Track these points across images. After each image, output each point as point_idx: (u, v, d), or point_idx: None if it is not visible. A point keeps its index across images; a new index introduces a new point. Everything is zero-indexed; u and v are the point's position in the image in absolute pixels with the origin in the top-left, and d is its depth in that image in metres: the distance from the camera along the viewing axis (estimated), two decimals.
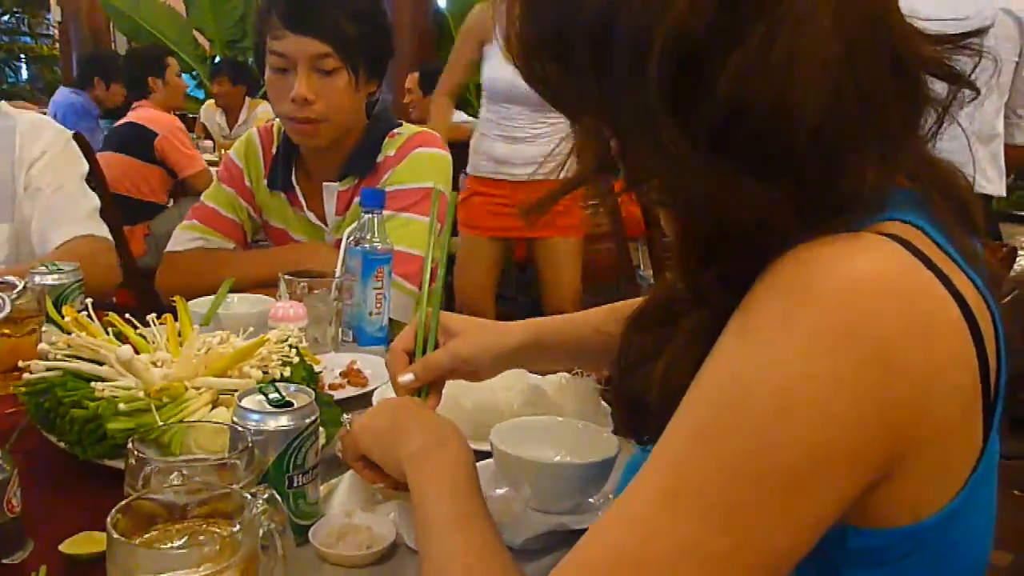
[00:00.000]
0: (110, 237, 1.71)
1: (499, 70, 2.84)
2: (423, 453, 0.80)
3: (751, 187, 0.56)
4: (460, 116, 4.15)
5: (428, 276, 1.02)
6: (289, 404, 0.85)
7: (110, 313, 1.16)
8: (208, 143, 5.26)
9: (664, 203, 0.65)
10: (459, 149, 2.91)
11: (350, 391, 1.22)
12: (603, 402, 1.14)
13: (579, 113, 0.66)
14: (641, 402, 0.68)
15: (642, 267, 4.16)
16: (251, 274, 1.55)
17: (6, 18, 8.74)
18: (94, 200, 1.72)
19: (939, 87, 0.61)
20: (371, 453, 0.88)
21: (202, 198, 1.76)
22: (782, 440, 0.52)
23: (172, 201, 4.01)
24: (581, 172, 0.68)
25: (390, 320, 1.45)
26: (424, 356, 0.99)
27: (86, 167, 1.76)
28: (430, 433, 0.83)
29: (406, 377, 0.97)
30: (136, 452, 0.76)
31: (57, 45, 7.59)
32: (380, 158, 1.66)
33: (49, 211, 1.62)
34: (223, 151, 4.32)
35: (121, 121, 4.09)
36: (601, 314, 1.01)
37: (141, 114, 4.00)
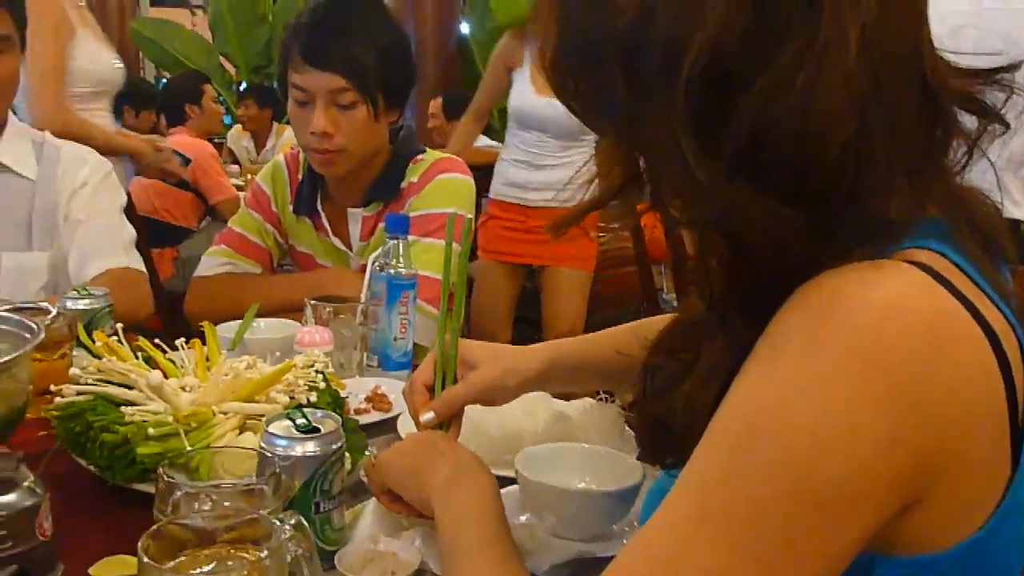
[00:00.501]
0: (144, 269, 1.73)
1: (525, 97, 2.87)
2: (449, 485, 0.81)
3: (773, 211, 0.56)
4: (485, 141, 4.17)
5: (445, 303, 1.01)
6: (316, 430, 0.86)
7: (140, 338, 1.18)
8: (235, 167, 5.31)
9: (687, 224, 0.65)
10: (484, 173, 2.94)
11: (375, 416, 1.23)
12: (627, 428, 1.14)
13: (607, 129, 0.66)
14: (665, 426, 0.68)
15: (665, 291, 4.16)
16: (277, 299, 1.57)
17: None
18: (131, 232, 1.75)
19: (969, 118, 0.61)
20: (397, 489, 0.89)
21: (229, 223, 1.79)
22: (809, 470, 0.52)
23: (201, 226, 4.07)
24: (608, 190, 0.68)
25: (414, 345, 1.46)
26: (444, 391, 0.98)
27: (124, 199, 1.79)
28: (455, 466, 0.83)
29: (427, 416, 0.96)
30: (166, 477, 0.77)
31: None
32: (404, 184, 1.68)
33: (87, 242, 1.65)
34: (250, 176, 4.38)
35: None
36: (623, 334, 1.01)
37: (175, 140, 4.06)
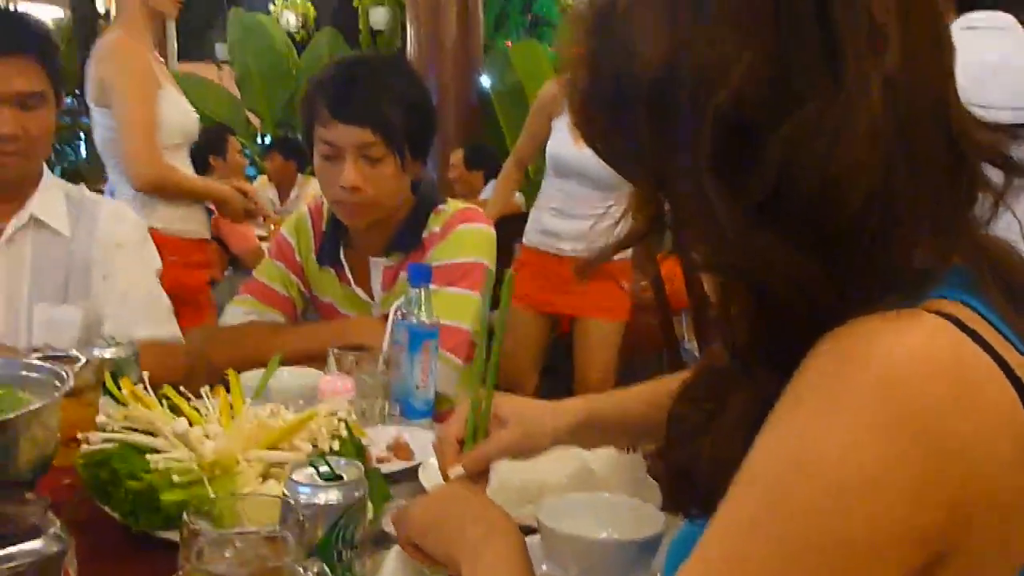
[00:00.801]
0: (181, 337, 1.75)
1: (563, 145, 2.87)
2: (478, 544, 0.80)
3: (796, 259, 0.56)
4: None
5: (483, 355, 0.98)
6: (339, 478, 0.86)
7: (166, 386, 1.20)
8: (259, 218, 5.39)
9: (709, 270, 0.66)
10: (508, 222, 2.96)
11: (397, 465, 1.23)
12: (650, 477, 1.13)
13: (633, 173, 0.67)
14: (689, 476, 0.68)
15: (687, 340, 4.14)
16: (299, 348, 1.57)
17: (68, 99, 9.15)
18: (167, 300, 1.77)
19: (995, 172, 0.61)
20: (420, 541, 0.87)
21: (254, 273, 1.81)
22: (837, 523, 0.52)
23: (224, 275, 4.12)
24: (633, 232, 0.68)
25: (436, 393, 1.46)
26: (475, 447, 0.97)
27: (160, 262, 1.81)
28: (484, 525, 0.82)
29: (456, 471, 0.95)
30: (191, 524, 0.77)
31: None
32: (425, 234, 1.70)
33: (127, 312, 1.66)
34: (273, 226, 4.43)
35: None
36: (650, 389, 1.01)
37: None
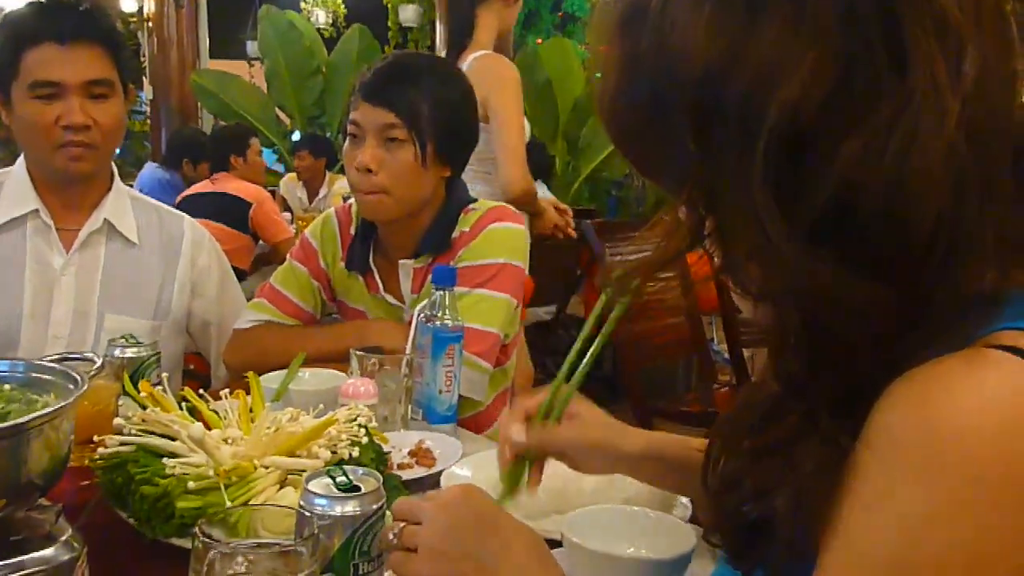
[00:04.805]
0: None
1: None
2: (499, 554, 0.75)
3: (855, 286, 0.52)
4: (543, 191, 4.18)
5: (576, 356, 0.95)
6: (356, 489, 0.83)
7: (185, 388, 1.18)
8: (286, 215, 5.41)
9: (762, 297, 0.60)
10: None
11: (419, 471, 1.21)
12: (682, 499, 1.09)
13: (670, 185, 0.62)
14: (761, 530, 0.62)
15: (716, 341, 4.09)
16: (316, 350, 1.55)
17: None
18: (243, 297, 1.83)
19: None
20: (433, 553, 0.76)
21: (271, 280, 1.76)
22: None
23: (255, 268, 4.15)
24: (673, 249, 0.62)
25: (460, 397, 1.43)
26: (544, 427, 0.95)
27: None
28: (524, 550, 0.76)
29: (519, 437, 0.93)
30: (202, 537, 0.75)
31: (148, 122, 7.94)
32: (455, 234, 1.66)
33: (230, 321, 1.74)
34: (300, 222, 4.45)
35: (202, 189, 4.26)
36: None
37: (230, 185, 4.16)
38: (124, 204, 1.69)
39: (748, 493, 0.63)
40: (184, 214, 1.82)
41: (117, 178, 1.70)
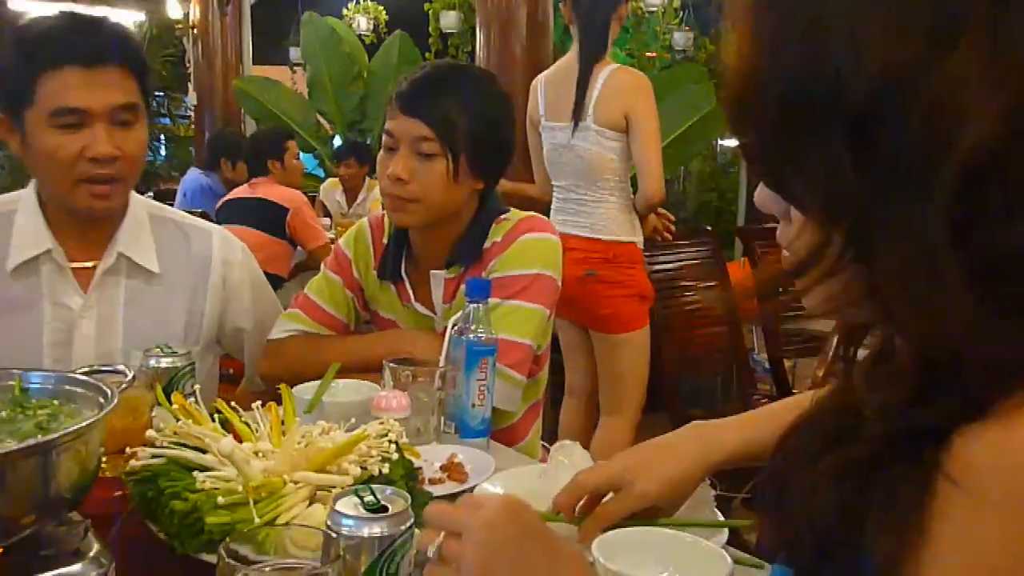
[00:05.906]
0: None
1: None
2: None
3: (1012, 327, 0.48)
4: None
5: None
6: (384, 509, 0.82)
7: (218, 400, 1.17)
8: (326, 220, 5.43)
9: (926, 341, 0.53)
10: None
11: (450, 487, 1.19)
12: (718, 512, 1.07)
13: (803, 200, 0.55)
14: (816, 543, 0.60)
15: (756, 350, 4.03)
16: (349, 360, 1.54)
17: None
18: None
19: None
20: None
21: (306, 290, 1.75)
22: None
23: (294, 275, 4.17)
24: (826, 269, 0.54)
25: (493, 410, 1.42)
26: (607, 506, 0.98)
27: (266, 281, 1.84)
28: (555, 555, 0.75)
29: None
30: (226, 556, 0.74)
31: (192, 127, 8.06)
32: (487, 244, 1.65)
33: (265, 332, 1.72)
34: (340, 228, 4.47)
35: (241, 194, 4.25)
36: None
37: (269, 191, 4.17)
38: (141, 230, 1.57)
39: (826, 513, 0.59)
40: (214, 227, 1.72)
41: (132, 198, 1.57)
